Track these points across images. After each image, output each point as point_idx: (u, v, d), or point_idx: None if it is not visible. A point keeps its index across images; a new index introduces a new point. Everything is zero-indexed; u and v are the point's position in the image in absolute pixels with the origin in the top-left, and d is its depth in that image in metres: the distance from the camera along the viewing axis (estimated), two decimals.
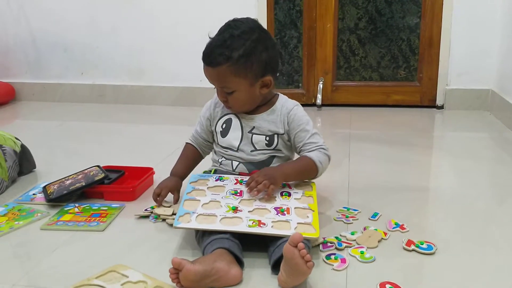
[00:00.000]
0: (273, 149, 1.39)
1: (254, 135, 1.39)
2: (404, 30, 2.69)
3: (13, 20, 2.99)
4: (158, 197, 1.43)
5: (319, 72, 2.78)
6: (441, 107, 2.71)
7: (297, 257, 1.01)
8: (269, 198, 1.28)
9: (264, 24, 2.67)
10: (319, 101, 2.73)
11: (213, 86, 1.38)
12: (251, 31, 1.32)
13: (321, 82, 2.76)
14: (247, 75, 1.31)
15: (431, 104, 2.73)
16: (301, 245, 1.01)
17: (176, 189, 1.45)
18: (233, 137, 1.40)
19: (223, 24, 1.35)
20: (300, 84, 2.81)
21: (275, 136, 1.39)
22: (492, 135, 2.28)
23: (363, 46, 2.75)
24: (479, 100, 2.65)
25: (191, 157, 1.52)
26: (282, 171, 1.33)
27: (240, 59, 1.29)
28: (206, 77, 1.35)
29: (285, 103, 1.42)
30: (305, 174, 1.38)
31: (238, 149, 1.40)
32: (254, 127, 1.39)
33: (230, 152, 1.41)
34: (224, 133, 1.42)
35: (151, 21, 2.84)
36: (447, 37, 2.61)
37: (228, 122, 1.42)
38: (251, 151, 1.39)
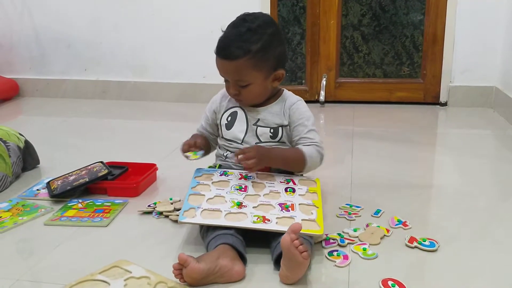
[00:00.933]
0: (278, 141, 1.39)
1: (259, 127, 1.39)
2: (408, 26, 2.69)
3: (16, 16, 3.00)
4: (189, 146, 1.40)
5: (323, 69, 2.77)
6: (445, 104, 2.70)
7: (293, 247, 1.02)
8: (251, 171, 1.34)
9: None
10: (322, 98, 2.73)
11: (222, 81, 1.37)
12: (266, 26, 1.33)
13: (324, 79, 2.75)
14: (263, 69, 1.32)
15: (435, 101, 2.72)
16: (293, 236, 1.03)
17: (202, 142, 1.42)
18: (238, 129, 1.41)
19: (237, 17, 1.35)
20: (303, 81, 2.81)
21: (280, 128, 1.39)
22: (496, 132, 2.28)
23: (366, 43, 2.74)
24: (482, 97, 2.64)
25: (202, 136, 1.48)
26: (270, 155, 1.35)
27: (258, 53, 1.30)
28: (219, 70, 1.35)
29: (289, 96, 1.43)
30: (292, 164, 1.38)
31: (243, 141, 1.40)
32: (259, 119, 1.40)
33: (234, 145, 1.41)
34: (229, 125, 1.42)
35: (155, 17, 2.84)
36: (451, 34, 2.60)
37: (233, 115, 1.43)
38: (256, 143, 1.39)
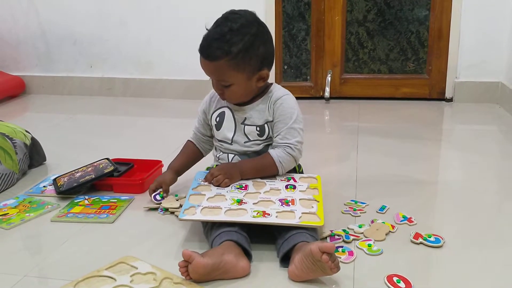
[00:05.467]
0: (266, 138, 1.40)
1: (246, 126, 1.39)
2: (413, 22, 2.68)
3: (22, 13, 3.00)
4: (154, 193, 1.46)
5: (328, 65, 2.77)
6: (450, 100, 2.69)
7: (325, 260, 1.01)
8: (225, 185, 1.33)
9: (272, 16, 2.67)
10: (327, 94, 2.73)
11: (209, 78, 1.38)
12: (249, 25, 1.31)
13: (329, 75, 2.75)
14: (245, 69, 1.31)
15: (440, 97, 2.71)
16: (325, 258, 1.00)
17: (170, 184, 1.49)
18: (227, 129, 1.41)
19: (222, 15, 1.34)
20: (308, 77, 2.80)
21: (266, 125, 1.38)
22: (501, 128, 2.27)
23: (371, 39, 2.74)
24: (488, 92, 2.63)
25: (190, 155, 1.54)
26: (240, 167, 1.36)
27: (239, 54, 1.28)
28: (202, 69, 1.35)
29: (276, 91, 1.40)
30: (265, 172, 1.38)
31: (232, 141, 1.41)
32: (245, 118, 1.39)
33: (225, 145, 1.42)
34: (218, 126, 1.43)
35: (160, 14, 2.84)
36: (457, 29, 2.59)
37: (222, 115, 1.43)
38: (245, 142, 1.39)
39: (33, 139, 1.82)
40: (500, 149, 2.01)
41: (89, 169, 1.63)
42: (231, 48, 1.27)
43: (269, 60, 1.36)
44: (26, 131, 1.82)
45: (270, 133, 1.39)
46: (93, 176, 1.56)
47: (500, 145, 2.05)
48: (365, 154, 1.91)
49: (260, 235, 1.21)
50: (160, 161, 1.70)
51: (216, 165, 1.45)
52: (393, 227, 1.30)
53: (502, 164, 1.83)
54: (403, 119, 2.43)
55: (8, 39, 3.07)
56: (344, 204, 1.45)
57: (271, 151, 1.37)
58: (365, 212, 1.40)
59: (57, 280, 1.10)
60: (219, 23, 1.32)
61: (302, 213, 1.20)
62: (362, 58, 2.77)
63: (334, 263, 1.02)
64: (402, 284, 1.05)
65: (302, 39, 2.76)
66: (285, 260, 1.12)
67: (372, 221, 1.33)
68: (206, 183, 1.35)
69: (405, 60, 2.74)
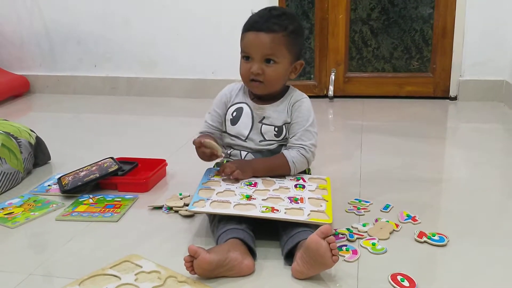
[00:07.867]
0: (282, 139, 1.40)
1: (263, 125, 1.39)
2: (417, 20, 2.67)
3: (27, 13, 3.02)
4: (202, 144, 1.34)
5: (331, 63, 2.76)
6: (455, 98, 2.68)
7: (323, 249, 1.02)
8: (236, 180, 1.34)
9: None
10: (331, 93, 2.72)
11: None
12: (296, 17, 1.42)
13: (333, 74, 2.75)
14: (292, 51, 1.36)
15: (445, 95, 2.70)
16: (331, 238, 1.02)
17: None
18: (243, 126, 1.41)
19: (261, 10, 1.38)
20: (312, 76, 2.80)
21: (284, 126, 1.39)
22: (506, 126, 2.26)
23: (375, 37, 2.73)
24: (493, 91, 2.62)
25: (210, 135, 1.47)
26: (253, 166, 1.37)
27: (292, 33, 1.34)
28: (249, 45, 1.33)
29: (294, 94, 1.43)
30: (277, 171, 1.39)
31: (247, 138, 1.40)
32: (264, 117, 1.40)
33: (238, 141, 1.41)
34: (234, 121, 1.42)
35: (164, 13, 2.84)
36: (461, 27, 2.58)
37: (239, 111, 1.43)
38: (260, 141, 1.40)
39: (37, 138, 1.82)
40: (504, 147, 2.01)
41: (94, 168, 1.64)
42: (288, 26, 1.33)
43: (301, 54, 1.43)
44: (31, 130, 1.83)
45: (287, 134, 1.40)
46: (98, 175, 1.57)
47: (505, 143, 2.05)
48: (369, 152, 1.91)
49: (266, 233, 1.21)
50: (164, 160, 1.70)
51: (227, 161, 1.45)
52: (397, 225, 1.30)
53: (507, 163, 1.82)
54: (407, 117, 2.43)
55: (13, 38, 3.08)
56: (348, 203, 1.45)
57: (285, 151, 1.38)
58: (369, 210, 1.40)
59: (62, 279, 1.11)
60: (267, 9, 1.38)
61: (311, 210, 1.20)
62: (366, 56, 2.76)
63: (336, 250, 1.02)
64: (406, 283, 1.05)
65: (305, 38, 2.76)
66: (289, 257, 1.12)
67: (376, 220, 1.33)
68: (216, 179, 1.36)
69: (409, 58, 2.73)
